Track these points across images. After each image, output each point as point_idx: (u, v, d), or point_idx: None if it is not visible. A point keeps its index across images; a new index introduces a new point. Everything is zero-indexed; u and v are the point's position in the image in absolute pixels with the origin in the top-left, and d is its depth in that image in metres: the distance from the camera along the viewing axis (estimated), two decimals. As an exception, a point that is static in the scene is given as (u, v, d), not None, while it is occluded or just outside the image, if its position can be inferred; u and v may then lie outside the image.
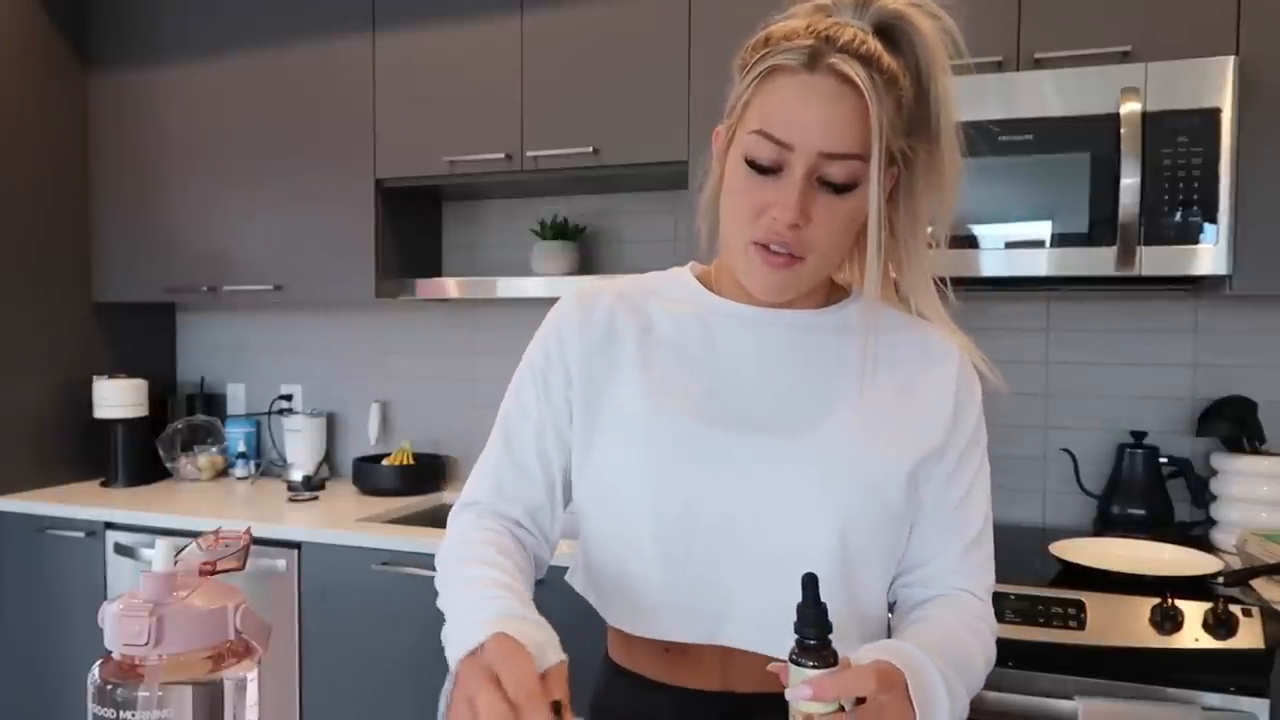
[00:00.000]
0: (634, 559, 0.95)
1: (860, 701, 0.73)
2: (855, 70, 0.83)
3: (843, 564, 0.90)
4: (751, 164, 0.87)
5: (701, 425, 0.92)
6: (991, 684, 1.66)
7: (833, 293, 1.00)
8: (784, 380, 0.94)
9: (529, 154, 2.37)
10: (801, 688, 0.72)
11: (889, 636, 0.96)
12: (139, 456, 2.85)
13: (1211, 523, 2.06)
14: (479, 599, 0.84)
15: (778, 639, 0.90)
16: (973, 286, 2.15)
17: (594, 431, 0.98)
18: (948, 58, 0.88)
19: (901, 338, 0.96)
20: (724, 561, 0.92)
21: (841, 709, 0.72)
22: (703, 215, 0.98)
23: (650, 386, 0.95)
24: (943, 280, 0.96)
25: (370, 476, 2.70)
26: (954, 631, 0.90)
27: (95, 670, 0.72)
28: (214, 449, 2.96)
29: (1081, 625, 1.63)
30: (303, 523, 2.34)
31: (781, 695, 0.75)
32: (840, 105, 0.84)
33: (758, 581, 0.91)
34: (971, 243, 1.92)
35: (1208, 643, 1.56)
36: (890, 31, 0.87)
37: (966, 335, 0.99)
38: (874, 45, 0.85)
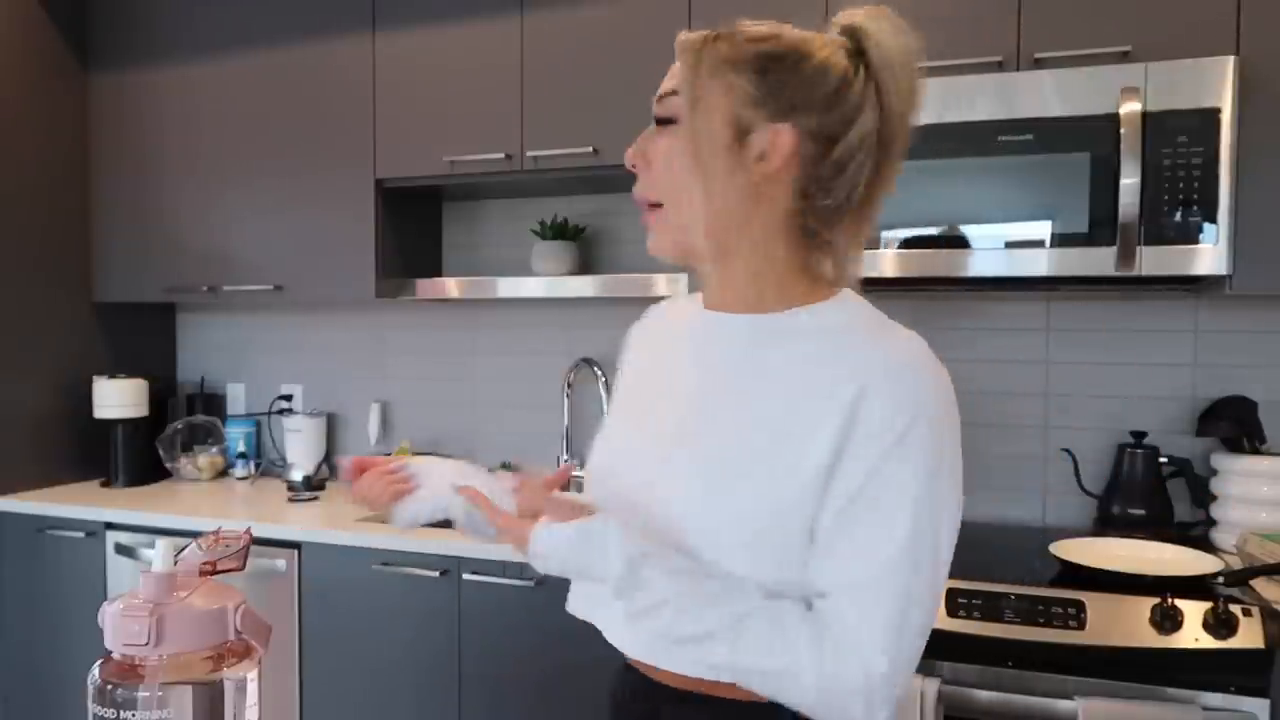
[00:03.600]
0: None
1: None
2: (690, 35, 0.93)
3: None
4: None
5: (628, 433, 1.00)
6: (991, 684, 1.66)
7: (810, 297, 0.94)
8: (698, 387, 0.95)
9: (529, 154, 2.37)
10: None
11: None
12: (139, 456, 2.86)
13: (1211, 523, 2.06)
14: None
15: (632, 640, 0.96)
16: (973, 286, 2.15)
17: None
18: (910, 80, 0.89)
19: (823, 344, 0.89)
20: None
21: None
22: None
23: (620, 396, 1.05)
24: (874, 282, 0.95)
25: (370, 476, 2.70)
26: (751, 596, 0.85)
27: (95, 670, 0.72)
28: (214, 449, 2.96)
29: (1081, 625, 1.63)
30: (303, 523, 2.34)
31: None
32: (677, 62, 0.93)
33: None
34: (971, 243, 1.92)
35: (1208, 643, 1.56)
36: (856, 43, 0.90)
37: (909, 343, 0.88)
38: (754, 31, 0.90)
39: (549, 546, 0.87)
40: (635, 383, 1.04)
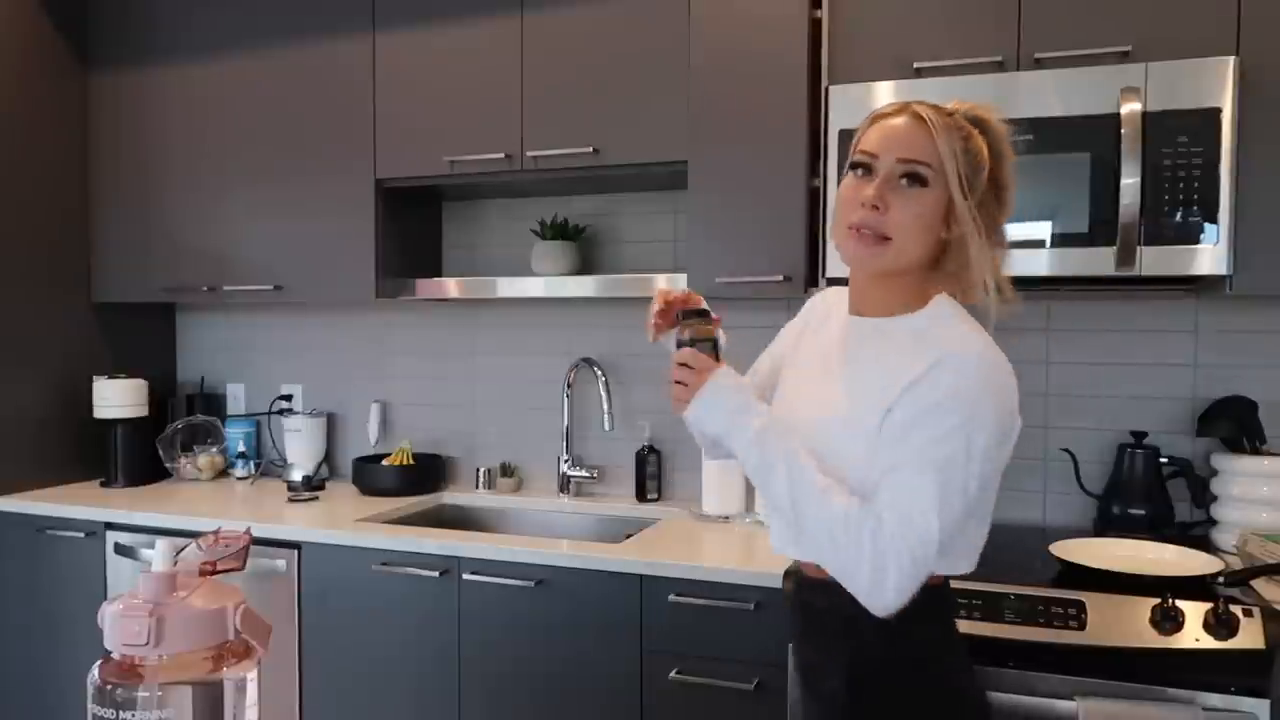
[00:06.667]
0: None
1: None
2: (927, 113, 1.19)
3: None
4: (852, 169, 1.23)
5: (784, 400, 1.35)
6: (991, 684, 1.66)
7: (915, 304, 1.25)
8: (831, 369, 1.29)
9: (529, 154, 2.37)
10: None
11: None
12: (139, 456, 2.86)
13: (1212, 523, 2.06)
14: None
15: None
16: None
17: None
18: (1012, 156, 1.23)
19: (915, 337, 1.22)
20: None
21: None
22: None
23: (791, 351, 1.43)
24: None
25: (370, 476, 2.70)
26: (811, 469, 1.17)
27: (95, 670, 0.72)
28: (214, 449, 2.96)
29: (1082, 625, 1.63)
30: (303, 523, 2.34)
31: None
32: (915, 130, 1.19)
33: None
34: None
35: (1208, 643, 1.56)
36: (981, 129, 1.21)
37: (980, 340, 1.22)
38: (953, 108, 1.21)
39: (729, 380, 1.21)
40: (800, 343, 1.41)
